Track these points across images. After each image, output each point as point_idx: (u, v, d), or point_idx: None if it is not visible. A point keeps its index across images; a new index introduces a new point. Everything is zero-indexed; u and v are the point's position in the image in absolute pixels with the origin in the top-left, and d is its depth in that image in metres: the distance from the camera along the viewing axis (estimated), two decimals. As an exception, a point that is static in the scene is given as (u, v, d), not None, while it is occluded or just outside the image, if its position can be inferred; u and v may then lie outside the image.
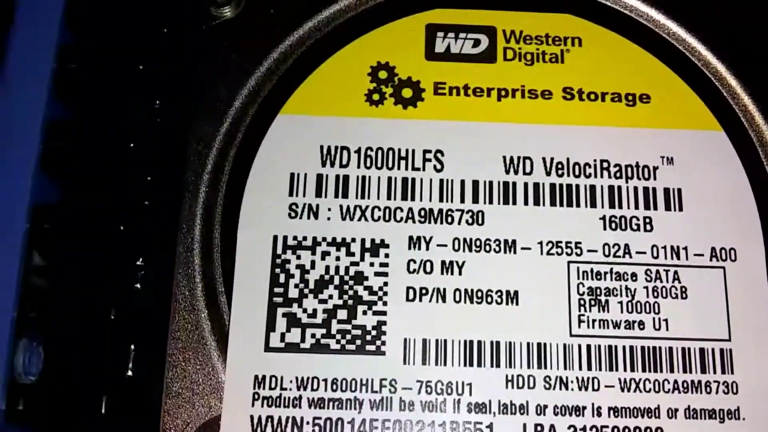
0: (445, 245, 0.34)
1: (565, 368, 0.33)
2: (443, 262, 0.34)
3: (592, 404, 0.33)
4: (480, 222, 0.34)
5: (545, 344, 0.33)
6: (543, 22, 0.37)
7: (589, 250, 0.34)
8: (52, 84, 0.33)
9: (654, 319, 0.34)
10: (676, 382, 0.33)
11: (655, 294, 0.34)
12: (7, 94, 0.33)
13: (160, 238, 0.33)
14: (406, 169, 0.35)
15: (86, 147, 0.34)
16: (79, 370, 0.32)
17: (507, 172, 0.35)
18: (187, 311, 0.33)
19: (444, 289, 0.33)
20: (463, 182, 0.35)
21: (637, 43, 0.37)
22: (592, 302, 0.34)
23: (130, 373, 0.32)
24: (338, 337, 0.33)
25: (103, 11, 0.35)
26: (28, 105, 0.33)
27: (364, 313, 0.33)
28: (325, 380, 0.32)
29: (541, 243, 0.34)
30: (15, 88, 0.33)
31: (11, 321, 0.31)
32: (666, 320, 0.34)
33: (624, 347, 0.33)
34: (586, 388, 0.33)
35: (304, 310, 0.33)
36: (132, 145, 0.33)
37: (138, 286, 0.33)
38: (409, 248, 0.34)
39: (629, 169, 0.35)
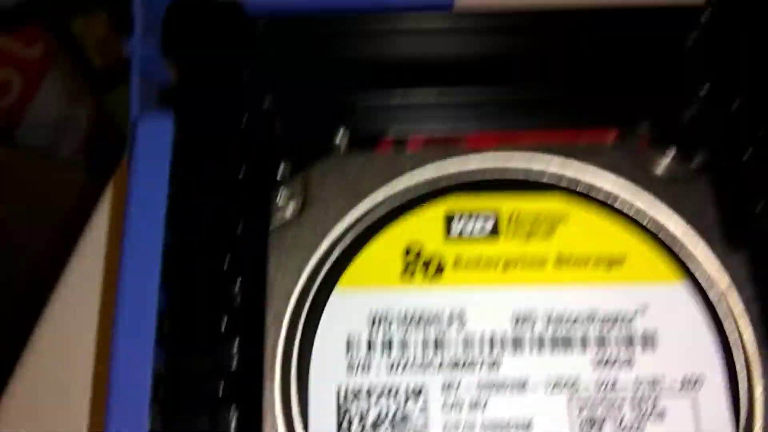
0: (471, 388, 0.41)
1: (573, 481, 0.40)
2: (470, 401, 0.41)
3: None
4: (497, 368, 0.42)
5: None
6: (536, 204, 0.45)
7: (584, 386, 0.41)
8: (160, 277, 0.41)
9: None
10: None
11: (640, 418, 0.41)
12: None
13: (248, 393, 0.41)
14: (436, 328, 0.42)
15: (186, 321, 0.41)
16: None
17: (515, 326, 0.42)
18: None
19: (473, 422, 0.41)
20: (482, 337, 0.42)
21: (611, 216, 0.45)
22: (590, 427, 0.41)
23: None
24: None
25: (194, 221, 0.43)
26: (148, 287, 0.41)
27: None
28: None
29: (546, 382, 0.41)
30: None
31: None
32: None
33: None
34: (590, 500, 0.40)
35: None
36: (224, 319, 0.41)
37: (233, 425, 0.39)
38: (443, 392, 0.41)
39: (612, 318, 0.43)
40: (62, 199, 0.96)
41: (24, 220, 0.93)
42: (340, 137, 0.48)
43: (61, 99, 1.07)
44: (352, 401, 0.41)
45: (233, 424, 0.40)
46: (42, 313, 0.58)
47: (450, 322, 0.43)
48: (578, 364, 0.42)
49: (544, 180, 0.46)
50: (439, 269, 0.44)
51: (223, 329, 0.41)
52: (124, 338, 0.41)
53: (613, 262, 0.44)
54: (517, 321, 0.43)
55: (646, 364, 0.42)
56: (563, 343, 0.42)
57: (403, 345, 0.42)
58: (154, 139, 0.44)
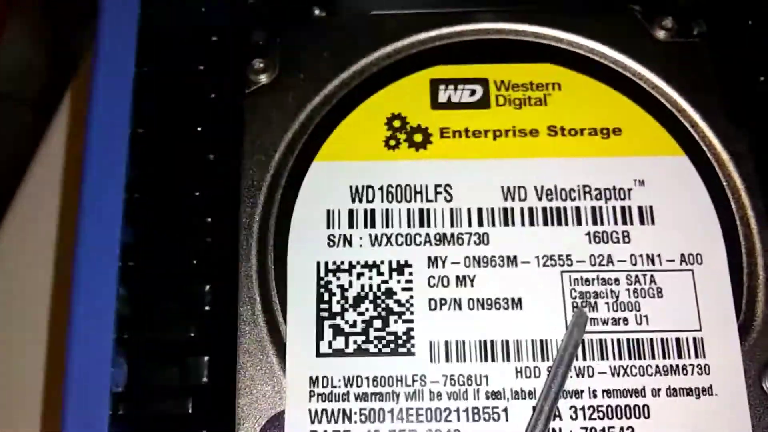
0: (458, 263, 0.42)
1: (564, 359, 0.40)
2: (457, 277, 0.41)
3: (589, 388, 0.40)
4: (486, 242, 0.42)
5: (546, 341, 0.40)
6: (528, 71, 0.45)
7: (578, 261, 0.42)
8: (129, 146, 0.41)
9: (636, 315, 0.41)
10: (657, 366, 0.40)
11: (636, 295, 0.41)
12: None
13: (223, 268, 0.41)
14: (422, 201, 0.42)
15: (158, 198, 0.42)
16: (164, 380, 0.40)
17: (505, 199, 0.43)
18: (250, 326, 0.40)
19: (460, 299, 0.41)
20: (469, 210, 0.42)
21: (608, 84, 0.45)
22: (583, 304, 0.41)
23: (205, 379, 0.39)
24: (375, 342, 0.40)
25: (164, 84, 0.43)
26: (115, 160, 0.41)
27: (395, 321, 0.41)
28: (367, 378, 0.40)
29: (537, 257, 0.42)
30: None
31: (112, 343, 0.38)
32: (646, 316, 0.41)
33: (612, 340, 0.40)
34: (583, 375, 0.40)
35: (346, 322, 0.41)
36: (197, 193, 0.41)
37: (207, 308, 0.40)
38: (429, 267, 0.42)
39: (607, 191, 0.43)
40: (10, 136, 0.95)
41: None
42: (319, 8, 0.47)
43: (25, 43, 1.05)
44: (333, 276, 0.42)
45: (207, 301, 0.41)
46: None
47: (436, 194, 0.43)
48: (572, 239, 0.42)
49: (537, 43, 0.46)
50: (426, 140, 0.44)
51: (196, 199, 0.42)
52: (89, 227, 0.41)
53: (609, 133, 0.44)
54: (507, 193, 0.43)
55: (643, 239, 0.42)
56: (556, 216, 0.43)
57: (387, 218, 0.43)
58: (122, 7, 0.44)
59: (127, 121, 0.42)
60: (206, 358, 0.40)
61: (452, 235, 0.42)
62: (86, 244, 0.40)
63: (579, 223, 0.43)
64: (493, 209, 0.43)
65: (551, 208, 0.43)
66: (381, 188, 0.43)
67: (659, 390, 0.40)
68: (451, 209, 0.43)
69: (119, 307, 0.40)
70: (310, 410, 0.40)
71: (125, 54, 0.43)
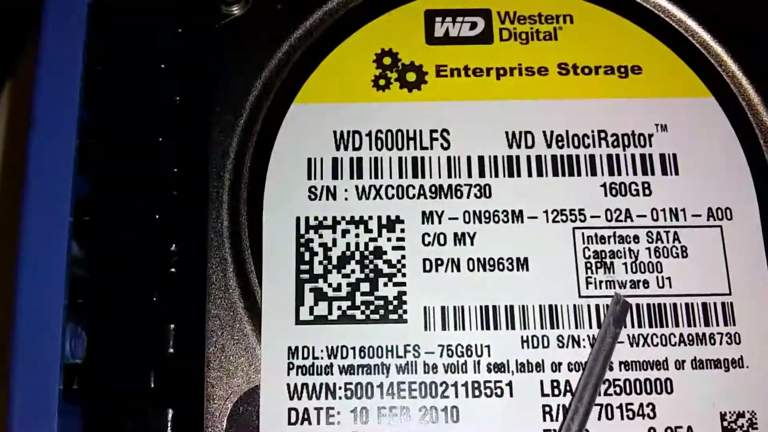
0: (456, 218, 0.39)
1: (576, 327, 0.38)
2: (455, 234, 0.39)
3: (604, 359, 0.38)
4: (488, 195, 0.40)
5: (556, 306, 0.38)
6: (535, 1, 0.43)
7: (592, 216, 0.39)
8: (82, 85, 0.38)
9: (657, 277, 0.39)
10: (681, 335, 0.38)
11: (657, 254, 0.39)
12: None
13: (190, 224, 0.39)
14: (415, 148, 0.40)
15: (115, 144, 0.39)
16: (124, 351, 0.37)
17: (510, 146, 0.40)
18: (221, 291, 0.38)
19: (458, 259, 0.39)
20: (469, 158, 0.40)
21: (626, 17, 0.42)
22: (598, 265, 0.39)
23: (171, 350, 0.37)
24: (363, 308, 0.38)
25: (123, 15, 0.41)
26: (65, 118, 0.38)
27: (385, 285, 0.39)
28: (354, 348, 0.38)
29: (546, 212, 0.40)
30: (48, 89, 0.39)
31: (63, 309, 0.36)
32: (669, 278, 0.39)
33: (631, 305, 0.38)
34: (597, 345, 0.38)
35: (330, 285, 0.39)
36: (160, 140, 0.39)
37: (173, 270, 0.38)
38: (423, 223, 0.39)
39: (626, 137, 0.40)
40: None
41: None
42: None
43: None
44: (314, 233, 0.39)
45: (173, 262, 0.39)
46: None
47: (432, 141, 0.41)
48: (585, 191, 0.40)
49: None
50: (420, 79, 0.42)
51: (160, 147, 0.40)
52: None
53: (628, 72, 0.42)
54: (512, 139, 0.41)
55: (666, 192, 0.40)
56: (567, 165, 0.40)
57: (376, 167, 0.40)
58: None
59: (80, 58, 0.39)
60: (171, 326, 0.38)
61: (450, 187, 0.40)
62: (34, 196, 0.38)
63: (593, 173, 0.40)
64: (495, 158, 0.41)
65: (562, 157, 0.41)
66: (369, 134, 0.41)
67: (683, 362, 0.38)
68: (449, 158, 0.41)
69: (73, 268, 0.37)
70: (288, 385, 0.38)
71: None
